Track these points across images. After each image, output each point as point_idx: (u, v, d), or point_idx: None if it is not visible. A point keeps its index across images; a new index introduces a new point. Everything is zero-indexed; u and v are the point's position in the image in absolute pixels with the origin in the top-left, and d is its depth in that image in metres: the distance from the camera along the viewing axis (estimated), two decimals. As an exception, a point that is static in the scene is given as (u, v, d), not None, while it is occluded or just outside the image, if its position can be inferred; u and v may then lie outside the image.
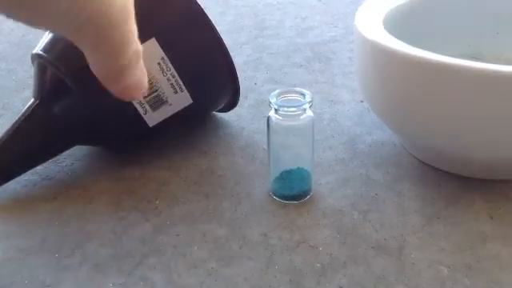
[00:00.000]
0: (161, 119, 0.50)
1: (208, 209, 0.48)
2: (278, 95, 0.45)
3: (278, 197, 0.48)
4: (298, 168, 0.48)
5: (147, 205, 0.49)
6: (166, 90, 0.48)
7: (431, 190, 0.49)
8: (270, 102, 0.44)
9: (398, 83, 0.46)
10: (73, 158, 0.56)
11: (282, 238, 0.44)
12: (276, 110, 0.44)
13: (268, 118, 0.45)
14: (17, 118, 0.49)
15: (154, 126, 0.50)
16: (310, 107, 0.45)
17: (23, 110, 0.49)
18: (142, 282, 0.41)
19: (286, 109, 0.44)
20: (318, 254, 0.43)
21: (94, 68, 0.27)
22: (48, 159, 0.52)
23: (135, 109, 0.48)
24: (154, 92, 0.47)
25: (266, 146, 0.56)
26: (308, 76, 0.73)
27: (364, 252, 0.43)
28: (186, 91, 0.49)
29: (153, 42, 0.45)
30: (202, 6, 0.48)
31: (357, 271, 0.41)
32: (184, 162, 0.55)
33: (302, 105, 0.44)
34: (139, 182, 0.52)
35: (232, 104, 0.58)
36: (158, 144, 0.57)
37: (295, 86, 0.69)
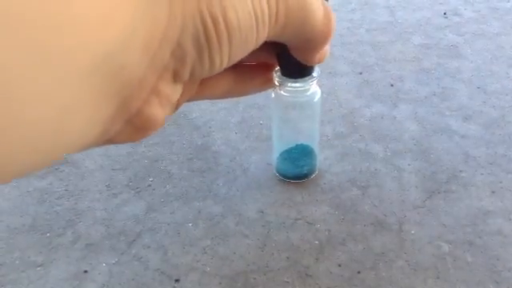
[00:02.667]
0: None
1: (203, 186, 0.47)
2: None
3: (283, 176, 0.47)
4: (304, 145, 0.46)
5: (140, 182, 0.48)
6: None
7: (432, 165, 0.48)
8: (274, 77, 0.39)
9: None
10: (63, 134, 0.54)
11: (279, 215, 0.43)
12: (281, 86, 0.41)
13: (272, 94, 0.43)
14: None
15: None
16: (316, 82, 0.42)
17: None
18: (135, 261, 0.40)
19: (291, 84, 0.40)
20: (315, 230, 0.42)
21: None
22: None
23: None
24: None
25: (262, 121, 0.55)
26: (305, 47, 0.70)
27: (363, 228, 0.42)
28: None
29: None
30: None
31: (356, 248, 0.40)
32: (177, 138, 0.53)
33: (308, 80, 0.40)
34: (131, 159, 0.50)
35: None
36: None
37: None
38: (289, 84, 0.40)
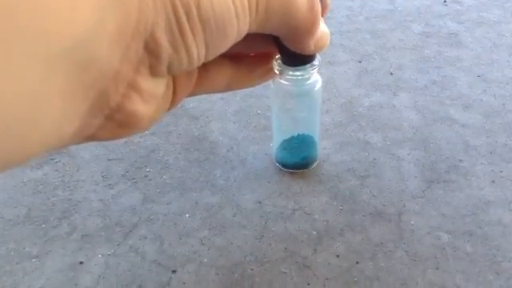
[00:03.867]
0: None
1: (200, 176, 0.46)
2: None
3: (283, 166, 0.46)
4: (304, 135, 0.45)
5: (137, 172, 0.47)
6: None
7: (431, 154, 0.47)
8: (274, 66, 0.36)
9: None
10: (58, 124, 0.54)
11: (277, 206, 0.43)
12: (281, 74, 0.38)
13: (271, 83, 0.42)
14: None
15: None
16: (317, 70, 0.40)
17: None
18: (132, 253, 0.39)
19: (291, 73, 0.38)
20: (313, 221, 0.41)
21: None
22: None
23: None
24: None
25: (260, 111, 0.54)
26: (304, 36, 0.69)
27: (362, 219, 0.41)
28: None
29: None
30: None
31: (354, 239, 0.39)
32: (174, 128, 0.52)
33: (309, 68, 0.38)
34: (128, 149, 0.50)
35: None
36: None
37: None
38: (289, 72, 0.38)
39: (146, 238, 0.40)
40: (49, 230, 0.41)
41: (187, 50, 0.18)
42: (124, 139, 0.51)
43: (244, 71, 0.28)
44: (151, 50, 0.17)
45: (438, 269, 0.37)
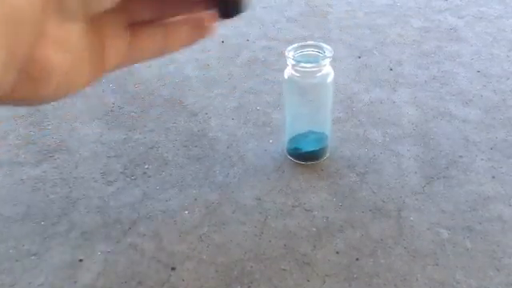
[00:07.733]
0: None
1: (199, 173, 0.46)
2: (295, 50, 0.40)
3: (294, 158, 0.46)
4: (316, 127, 0.45)
5: (136, 169, 0.47)
6: None
7: (431, 150, 0.47)
8: (287, 57, 0.39)
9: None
10: (57, 120, 0.54)
11: (277, 202, 0.43)
12: (293, 66, 0.40)
13: (285, 75, 0.42)
14: None
15: None
16: (329, 63, 0.40)
17: None
18: (131, 250, 0.39)
19: (303, 65, 0.39)
20: (313, 217, 0.41)
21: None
22: None
23: None
24: None
25: (259, 107, 0.54)
26: (303, 31, 0.69)
27: (361, 215, 0.41)
28: None
29: None
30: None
31: (354, 235, 0.39)
32: (173, 125, 0.52)
33: (321, 60, 0.39)
34: (126, 146, 0.50)
35: None
36: (143, 105, 0.55)
37: (289, 41, 0.65)
38: (301, 64, 0.39)
39: (145, 235, 0.40)
40: (48, 228, 0.41)
41: None
42: (123, 136, 0.51)
43: (175, 30, 0.27)
44: None
45: (437, 265, 0.37)
